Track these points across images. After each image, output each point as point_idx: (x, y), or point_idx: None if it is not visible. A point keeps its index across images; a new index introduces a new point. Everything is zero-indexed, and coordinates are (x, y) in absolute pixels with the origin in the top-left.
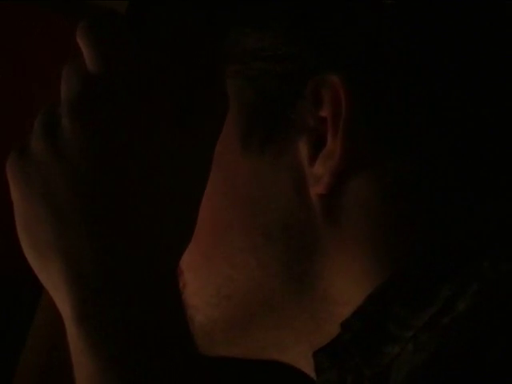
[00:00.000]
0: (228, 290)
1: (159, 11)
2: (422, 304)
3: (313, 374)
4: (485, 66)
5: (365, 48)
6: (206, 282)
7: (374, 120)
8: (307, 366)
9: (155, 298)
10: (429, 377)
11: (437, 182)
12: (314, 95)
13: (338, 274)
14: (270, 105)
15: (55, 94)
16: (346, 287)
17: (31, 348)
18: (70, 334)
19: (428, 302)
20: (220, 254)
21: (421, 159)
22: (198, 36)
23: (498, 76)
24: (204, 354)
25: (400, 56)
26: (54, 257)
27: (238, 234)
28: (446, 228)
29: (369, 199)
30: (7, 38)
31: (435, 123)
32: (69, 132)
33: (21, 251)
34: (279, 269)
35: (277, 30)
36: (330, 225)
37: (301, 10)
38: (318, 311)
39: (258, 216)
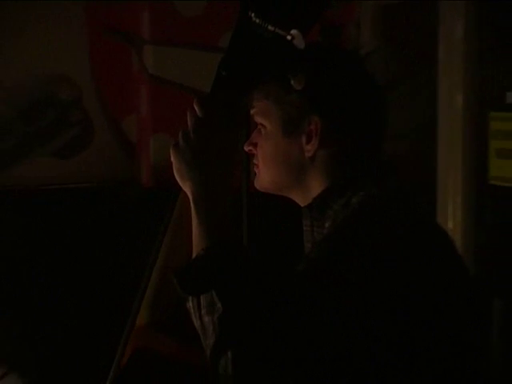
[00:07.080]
0: (278, 179)
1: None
2: (340, 196)
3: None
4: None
5: (328, 103)
6: (269, 175)
7: (332, 131)
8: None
9: (221, 195)
10: (339, 232)
11: (354, 154)
12: (308, 122)
13: (314, 182)
14: (293, 122)
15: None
16: (316, 188)
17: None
18: (192, 216)
19: (342, 196)
20: (272, 167)
21: (348, 145)
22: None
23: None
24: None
25: (337, 108)
26: (187, 179)
27: (278, 164)
28: (353, 170)
29: (328, 158)
30: None
31: (355, 134)
32: (192, 138)
33: (173, 175)
34: (295, 177)
35: (288, 88)
36: (313, 165)
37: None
38: (307, 192)
39: (285, 160)
